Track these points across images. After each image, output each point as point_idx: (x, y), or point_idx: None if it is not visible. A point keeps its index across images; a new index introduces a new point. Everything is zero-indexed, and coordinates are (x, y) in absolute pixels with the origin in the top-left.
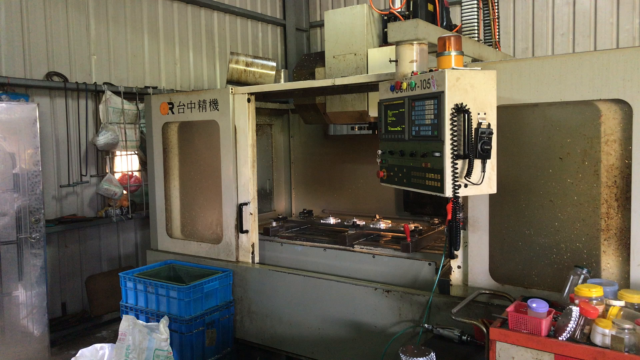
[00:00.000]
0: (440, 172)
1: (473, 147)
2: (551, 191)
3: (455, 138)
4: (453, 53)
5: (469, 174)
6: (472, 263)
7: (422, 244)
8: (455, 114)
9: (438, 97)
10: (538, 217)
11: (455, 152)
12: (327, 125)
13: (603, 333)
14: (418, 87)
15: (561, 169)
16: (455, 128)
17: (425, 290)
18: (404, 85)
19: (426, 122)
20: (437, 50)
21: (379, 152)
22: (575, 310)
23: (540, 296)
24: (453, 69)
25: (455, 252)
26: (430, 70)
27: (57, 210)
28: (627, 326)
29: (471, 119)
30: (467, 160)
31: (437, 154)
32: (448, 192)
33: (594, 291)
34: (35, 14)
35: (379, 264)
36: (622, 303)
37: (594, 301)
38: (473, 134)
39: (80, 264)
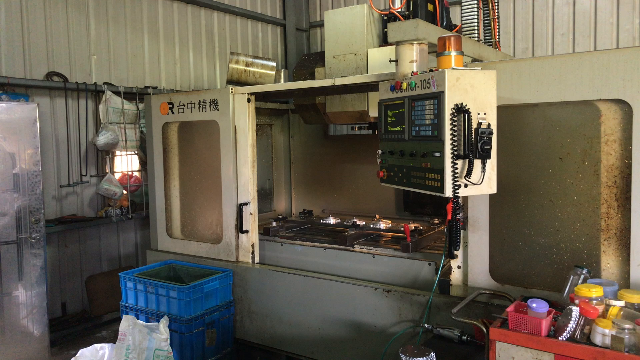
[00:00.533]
0: (440, 172)
1: (473, 147)
2: (551, 191)
3: (455, 138)
4: (453, 53)
5: (469, 174)
6: (472, 263)
7: (423, 244)
8: (455, 113)
9: (438, 97)
10: (538, 217)
11: (455, 152)
12: (327, 126)
13: (603, 333)
14: (418, 87)
15: (561, 169)
16: (455, 128)
17: (425, 290)
18: (404, 85)
19: (426, 122)
20: (437, 50)
21: (379, 152)
22: (575, 310)
23: (541, 296)
24: (453, 69)
25: (455, 252)
26: (430, 71)
27: (57, 210)
28: (627, 326)
29: (471, 119)
30: (467, 160)
31: (437, 154)
32: (448, 192)
33: (594, 291)
34: (35, 14)
35: (379, 264)
36: (622, 303)
37: (594, 301)
38: (473, 134)
39: (79, 264)
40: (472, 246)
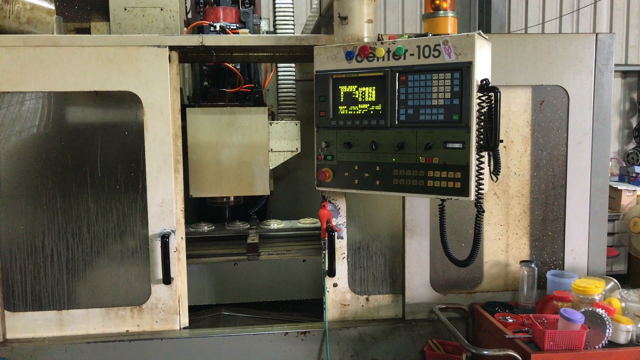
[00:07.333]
0: (464, 169)
1: (496, 135)
2: None
3: (481, 124)
4: (450, 14)
5: (496, 170)
6: (411, 275)
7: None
8: (481, 92)
9: (461, 70)
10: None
11: (481, 142)
12: None
13: (627, 330)
14: (411, 55)
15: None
16: (483, 111)
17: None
18: (380, 51)
19: (434, 102)
20: (425, 10)
21: (323, 144)
22: (604, 314)
23: (493, 299)
24: (479, 34)
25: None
26: (435, 35)
27: None
28: None
29: (499, 100)
30: (491, 152)
31: (457, 145)
32: (472, 195)
33: (598, 287)
34: None
35: None
36: (617, 294)
37: (597, 298)
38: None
39: None
40: (411, 255)
